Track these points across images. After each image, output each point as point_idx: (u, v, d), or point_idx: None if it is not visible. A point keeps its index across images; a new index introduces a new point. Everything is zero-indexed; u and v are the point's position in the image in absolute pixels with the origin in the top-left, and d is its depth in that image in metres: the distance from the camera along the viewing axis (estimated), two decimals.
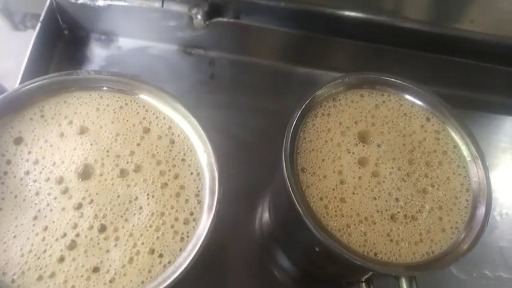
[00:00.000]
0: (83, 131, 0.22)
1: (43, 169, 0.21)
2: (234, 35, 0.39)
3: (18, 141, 0.22)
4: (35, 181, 0.21)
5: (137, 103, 0.23)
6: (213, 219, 0.20)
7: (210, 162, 0.22)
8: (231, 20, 0.38)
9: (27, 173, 0.21)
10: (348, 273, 0.27)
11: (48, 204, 0.20)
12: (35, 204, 0.20)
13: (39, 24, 0.37)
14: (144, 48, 0.39)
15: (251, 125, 0.38)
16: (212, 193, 0.21)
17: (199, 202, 0.22)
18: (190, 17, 0.38)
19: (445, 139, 0.26)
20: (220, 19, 0.38)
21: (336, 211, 0.23)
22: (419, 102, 0.27)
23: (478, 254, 0.37)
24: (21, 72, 0.33)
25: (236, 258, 0.34)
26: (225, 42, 0.39)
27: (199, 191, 0.22)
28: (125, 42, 0.39)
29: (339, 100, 0.27)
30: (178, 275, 0.19)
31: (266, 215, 0.34)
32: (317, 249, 0.24)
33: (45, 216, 0.20)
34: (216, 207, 0.21)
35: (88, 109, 0.23)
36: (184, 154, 0.23)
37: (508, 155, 0.41)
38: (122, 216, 0.21)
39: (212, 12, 0.38)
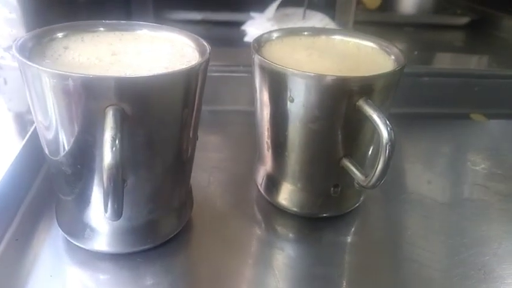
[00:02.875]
0: (111, 43, 0.32)
1: (86, 55, 0.30)
2: None
3: (65, 48, 0.31)
4: (78, 60, 0.29)
5: (147, 35, 0.34)
6: (207, 57, 0.29)
7: (201, 43, 0.32)
8: None
9: (73, 58, 0.30)
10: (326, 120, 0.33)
11: (88, 64, 0.29)
12: (80, 65, 0.29)
13: None
14: None
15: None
16: (203, 53, 0.31)
17: (196, 57, 0.31)
18: None
19: (364, 48, 0.38)
20: None
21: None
22: (338, 37, 0.39)
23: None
24: None
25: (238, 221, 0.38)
26: None
27: (196, 56, 0.31)
28: None
29: (284, 39, 0.38)
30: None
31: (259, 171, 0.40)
32: (292, 96, 0.31)
33: (89, 67, 0.28)
34: (208, 51, 0.30)
35: (114, 39, 0.33)
36: (182, 48, 0.33)
37: None
38: (143, 66, 0.29)
39: None
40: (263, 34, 0.37)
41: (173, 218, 0.34)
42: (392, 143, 0.28)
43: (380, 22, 0.94)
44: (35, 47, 0.29)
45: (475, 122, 0.56)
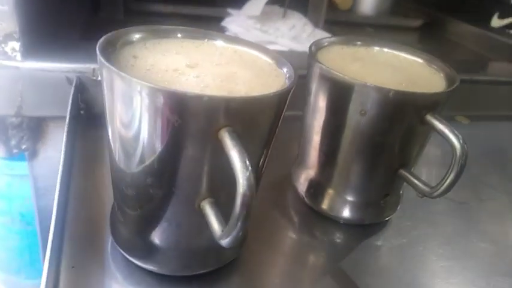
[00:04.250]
0: (178, 53, 0.30)
1: (160, 66, 0.28)
2: None
3: (135, 57, 0.28)
4: (156, 72, 0.27)
5: (207, 44, 0.33)
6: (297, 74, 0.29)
7: (275, 56, 0.31)
8: None
9: (148, 70, 0.27)
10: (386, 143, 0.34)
11: (171, 76, 0.27)
12: (160, 78, 0.26)
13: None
14: None
15: None
16: (286, 67, 0.30)
17: (282, 74, 0.30)
18: None
19: (404, 60, 0.39)
20: None
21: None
22: (377, 48, 0.40)
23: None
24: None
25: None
26: None
27: (275, 69, 0.30)
28: None
29: (330, 48, 0.39)
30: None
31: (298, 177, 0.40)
32: (365, 109, 0.32)
33: (175, 81, 0.26)
34: (291, 66, 0.29)
35: (176, 46, 0.31)
36: (255, 62, 0.31)
37: None
38: (234, 81, 0.28)
39: None
40: (314, 42, 0.37)
41: None
42: (466, 156, 0.30)
43: (346, 22, 0.98)
44: (112, 53, 0.27)
45: (460, 123, 0.60)
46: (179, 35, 0.32)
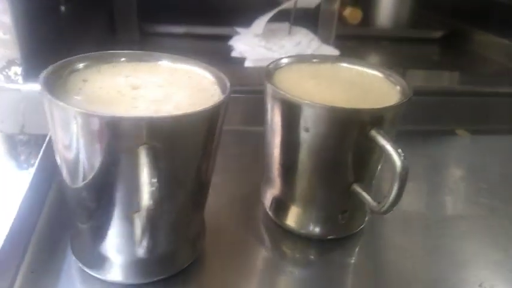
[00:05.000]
0: (127, 75, 0.33)
1: (106, 89, 0.30)
2: None
3: (84, 80, 0.31)
4: (99, 95, 0.30)
5: (162, 67, 0.35)
6: (230, 91, 0.30)
7: (219, 76, 0.33)
8: None
9: (93, 92, 0.30)
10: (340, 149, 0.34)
11: (110, 98, 0.29)
12: (102, 100, 0.29)
13: None
14: None
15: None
16: (224, 87, 0.31)
17: (217, 95, 0.31)
18: None
19: (368, 76, 0.39)
20: None
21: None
22: (343, 64, 0.41)
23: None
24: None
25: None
26: None
27: (215, 89, 0.32)
28: None
29: (292, 66, 0.40)
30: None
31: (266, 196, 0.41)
32: (307, 126, 0.33)
33: (112, 102, 0.29)
34: (228, 85, 0.31)
35: (130, 70, 0.34)
36: (200, 82, 0.33)
37: None
38: (168, 102, 0.30)
39: None
40: (272, 62, 0.38)
41: (189, 247, 0.34)
42: (406, 172, 0.30)
43: (359, 36, 0.98)
44: (56, 81, 0.30)
45: (460, 137, 0.59)
46: (124, 59, 0.34)
